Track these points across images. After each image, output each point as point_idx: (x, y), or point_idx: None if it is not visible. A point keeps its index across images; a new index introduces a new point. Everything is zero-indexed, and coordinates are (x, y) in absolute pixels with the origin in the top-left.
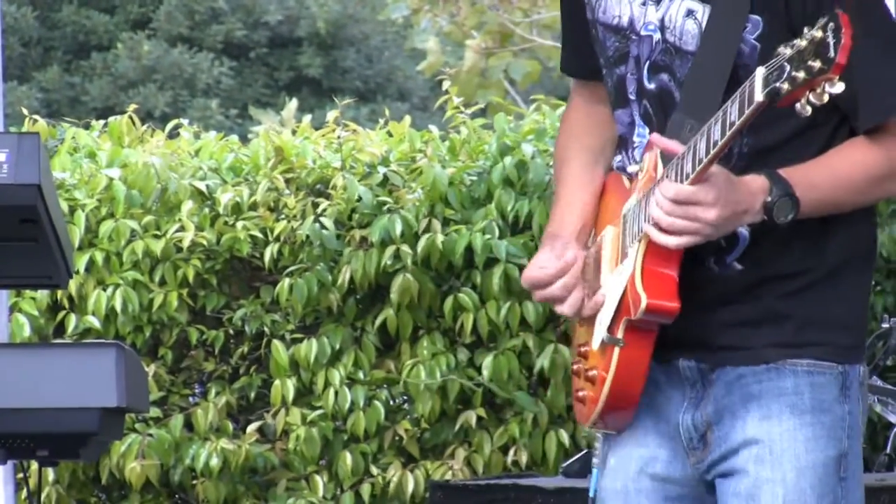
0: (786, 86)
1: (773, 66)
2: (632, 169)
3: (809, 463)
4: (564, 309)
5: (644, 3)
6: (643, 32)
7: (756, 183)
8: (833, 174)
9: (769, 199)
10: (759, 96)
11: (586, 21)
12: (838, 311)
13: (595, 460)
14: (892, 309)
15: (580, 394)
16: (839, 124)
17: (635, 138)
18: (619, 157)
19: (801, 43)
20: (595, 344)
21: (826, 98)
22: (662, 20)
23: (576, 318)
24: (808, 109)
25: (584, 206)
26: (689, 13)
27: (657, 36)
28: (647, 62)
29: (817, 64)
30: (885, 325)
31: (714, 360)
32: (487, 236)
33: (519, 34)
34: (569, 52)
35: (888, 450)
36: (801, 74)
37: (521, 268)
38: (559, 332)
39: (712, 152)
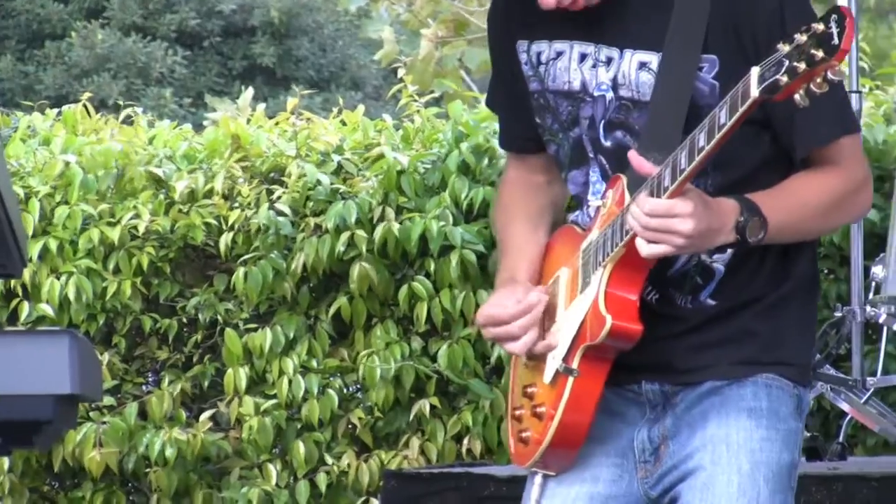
0: (785, 78)
1: (769, 63)
2: (595, 204)
3: (764, 459)
4: (516, 348)
5: (594, 66)
6: (596, 93)
7: (727, 204)
8: (796, 197)
9: (741, 218)
10: (754, 92)
11: (523, 96)
12: (795, 333)
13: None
14: (845, 297)
15: (523, 434)
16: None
17: (590, 197)
18: (576, 214)
19: (801, 38)
20: (547, 377)
21: (826, 87)
22: (615, 79)
23: (524, 356)
24: (807, 101)
25: (533, 254)
26: (642, 65)
27: (610, 95)
28: (603, 121)
29: (819, 53)
30: (838, 314)
31: (679, 382)
32: (442, 223)
33: (474, 23)
34: (506, 130)
35: (840, 438)
36: (801, 65)
37: (477, 254)
38: None
39: (697, 159)
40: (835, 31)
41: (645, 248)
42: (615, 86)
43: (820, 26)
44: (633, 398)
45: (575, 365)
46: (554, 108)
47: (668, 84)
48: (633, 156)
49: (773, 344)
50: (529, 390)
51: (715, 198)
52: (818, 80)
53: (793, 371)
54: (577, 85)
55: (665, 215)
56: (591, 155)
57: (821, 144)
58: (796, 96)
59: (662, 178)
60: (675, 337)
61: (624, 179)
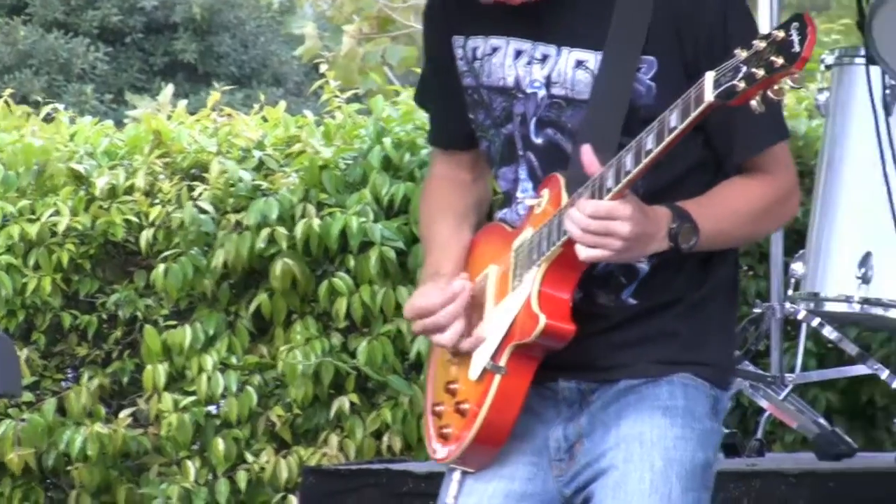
0: (742, 84)
1: (725, 68)
2: (529, 202)
3: (678, 457)
4: (444, 339)
5: (529, 63)
6: (528, 90)
7: (660, 211)
8: (726, 205)
9: (674, 225)
10: (709, 97)
11: (456, 92)
12: (714, 335)
13: (448, 500)
14: (765, 294)
15: (444, 430)
16: (720, 164)
17: (519, 194)
18: (504, 211)
19: (760, 44)
20: (474, 374)
21: (784, 95)
22: (549, 76)
23: (452, 350)
24: (763, 107)
25: (458, 251)
26: (579, 64)
27: (542, 92)
28: (534, 118)
29: (780, 60)
30: (757, 310)
31: (597, 379)
32: (362, 219)
33: (398, 19)
34: (436, 126)
35: (759, 435)
36: (760, 71)
37: (397, 251)
38: None
39: (643, 162)
40: (796, 38)
41: (584, 253)
42: (548, 83)
43: (780, 33)
44: (550, 396)
45: (503, 363)
46: (487, 103)
47: (607, 84)
48: (587, 151)
49: (693, 345)
50: (452, 387)
51: (649, 205)
52: (776, 87)
53: (709, 371)
54: (510, 81)
55: (606, 217)
56: (521, 152)
57: (760, 151)
58: (752, 102)
59: (605, 179)
60: (595, 335)
61: (562, 179)
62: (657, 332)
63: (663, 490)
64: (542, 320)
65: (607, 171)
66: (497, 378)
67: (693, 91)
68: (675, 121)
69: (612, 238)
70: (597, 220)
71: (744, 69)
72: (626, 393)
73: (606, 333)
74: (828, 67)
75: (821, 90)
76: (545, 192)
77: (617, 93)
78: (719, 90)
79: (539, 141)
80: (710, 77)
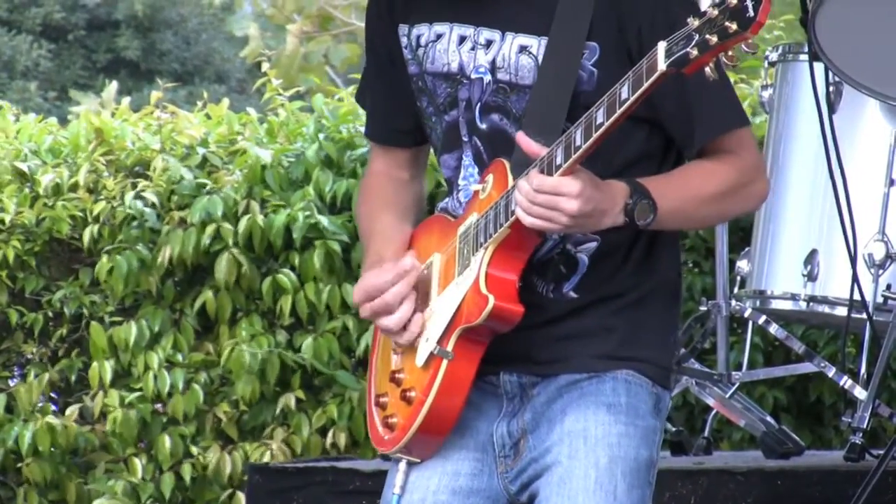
0: (695, 51)
1: (677, 37)
2: (474, 187)
3: (622, 454)
4: (392, 322)
5: (473, 49)
6: (473, 76)
7: (617, 186)
8: (687, 185)
9: (630, 201)
10: (661, 66)
11: (398, 86)
12: (654, 333)
13: (395, 490)
14: (710, 291)
15: (390, 420)
16: (666, 153)
17: (461, 181)
18: (446, 201)
19: (713, 12)
20: (420, 360)
21: (738, 61)
22: (493, 62)
23: (399, 335)
24: (716, 74)
25: (400, 242)
26: (523, 49)
27: (488, 78)
28: (479, 104)
29: (733, 26)
30: (703, 308)
31: (537, 373)
32: (307, 213)
33: (339, 17)
34: (377, 120)
35: (706, 433)
36: (713, 38)
37: (342, 244)
38: None
39: (594, 136)
40: (749, 3)
41: (528, 219)
42: (493, 69)
43: (734, 0)
44: (491, 391)
45: (450, 348)
46: (431, 90)
47: (552, 69)
48: (522, 137)
49: (631, 341)
50: (398, 376)
51: (606, 180)
52: (730, 52)
53: (651, 370)
54: (455, 67)
55: (552, 192)
56: (466, 138)
57: (722, 132)
58: (707, 69)
59: (554, 156)
60: (534, 327)
61: (507, 164)
62: (595, 326)
63: (608, 487)
64: (491, 301)
65: (556, 147)
66: (444, 363)
67: (645, 62)
68: (626, 93)
69: (558, 213)
70: (542, 195)
71: (696, 37)
72: (569, 389)
73: (546, 327)
74: (771, 64)
75: (764, 87)
76: (490, 178)
77: (562, 79)
78: (672, 59)
79: (484, 126)
80: (661, 47)
